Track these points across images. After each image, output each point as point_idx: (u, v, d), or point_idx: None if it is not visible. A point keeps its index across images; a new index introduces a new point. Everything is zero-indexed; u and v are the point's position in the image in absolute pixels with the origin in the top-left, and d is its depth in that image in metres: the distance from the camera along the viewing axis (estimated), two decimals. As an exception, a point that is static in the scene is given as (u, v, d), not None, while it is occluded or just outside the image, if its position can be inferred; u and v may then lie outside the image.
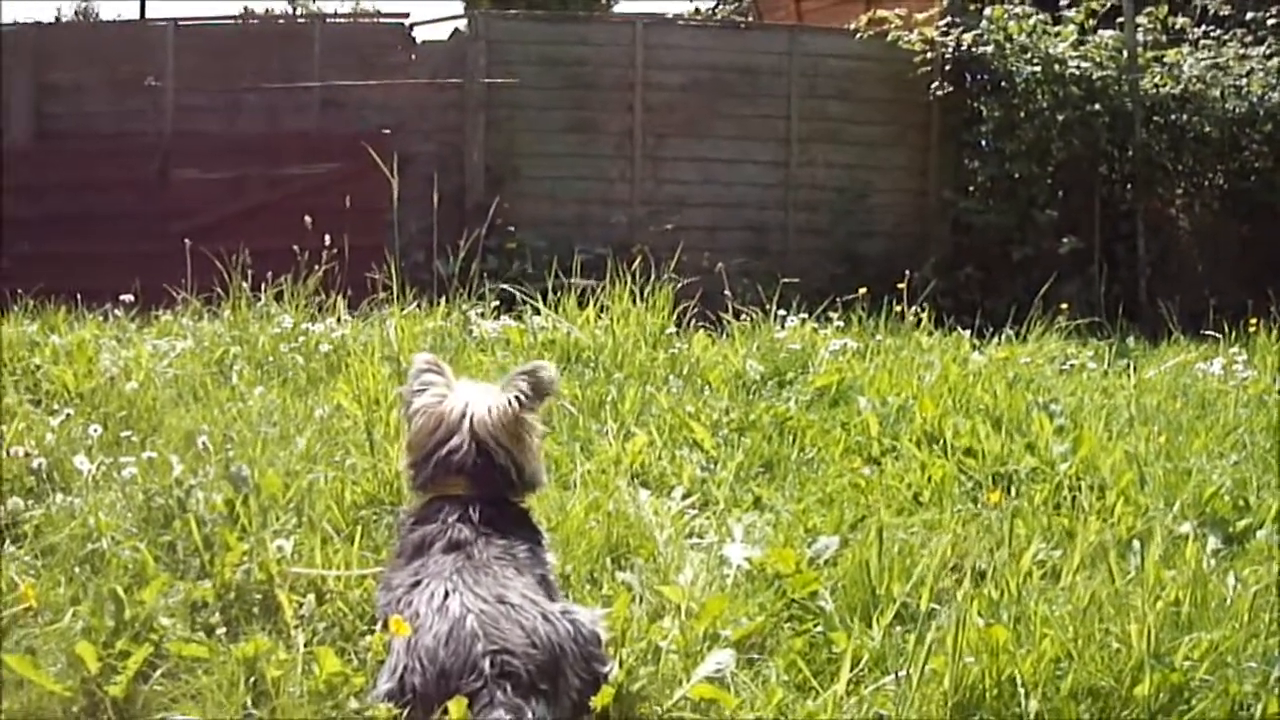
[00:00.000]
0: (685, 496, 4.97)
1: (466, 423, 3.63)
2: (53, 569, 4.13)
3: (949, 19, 13.46)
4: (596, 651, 3.32)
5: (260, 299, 7.75)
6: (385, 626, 3.40)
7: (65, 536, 4.30)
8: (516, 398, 3.65)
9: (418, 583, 3.36)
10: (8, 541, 4.36)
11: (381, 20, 14.39)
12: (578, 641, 3.24)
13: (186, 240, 8.01)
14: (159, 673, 3.49)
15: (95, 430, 5.16)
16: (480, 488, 3.62)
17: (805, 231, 13.61)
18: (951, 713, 3.40)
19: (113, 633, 3.56)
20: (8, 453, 4.92)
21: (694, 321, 7.92)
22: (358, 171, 11.34)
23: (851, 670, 3.57)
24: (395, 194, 5.25)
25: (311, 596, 3.86)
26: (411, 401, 3.76)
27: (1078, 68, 13.24)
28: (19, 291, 8.30)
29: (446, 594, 3.24)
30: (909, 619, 3.94)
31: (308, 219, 7.95)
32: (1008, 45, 13.42)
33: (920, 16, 13.40)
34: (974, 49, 13.32)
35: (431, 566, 3.39)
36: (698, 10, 24.35)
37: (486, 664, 3.07)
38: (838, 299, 8.83)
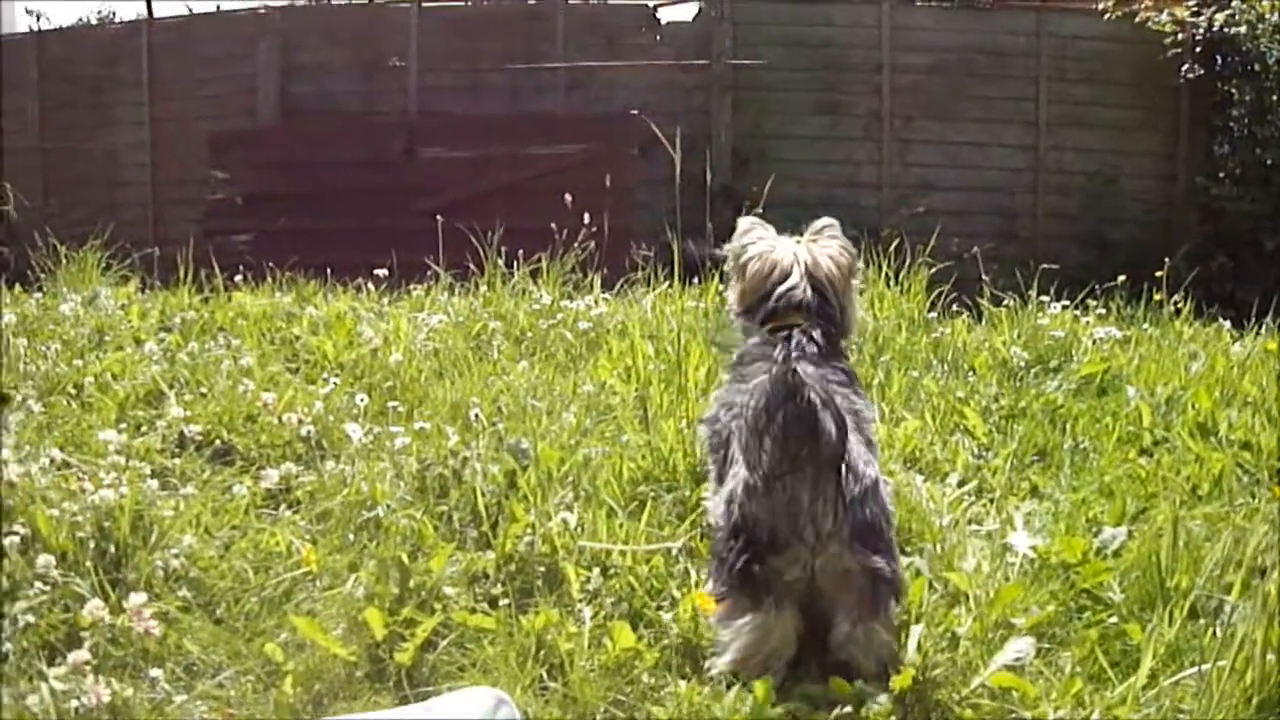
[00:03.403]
0: (961, 483, 4.90)
1: (801, 265, 4.02)
2: (329, 535, 4.19)
3: (1199, -1, 13.04)
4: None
5: (513, 276, 7.80)
6: (714, 449, 3.85)
7: (339, 503, 4.36)
8: (842, 247, 4.11)
9: None
10: (283, 506, 4.43)
11: (626, 1, 14.42)
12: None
13: (438, 216, 8.09)
14: (445, 642, 3.51)
15: (362, 399, 5.25)
16: (814, 320, 3.95)
17: (1054, 216, 13.34)
18: (1255, 711, 3.25)
19: (396, 600, 3.59)
20: (279, 419, 5.02)
21: (949, 306, 7.80)
22: (604, 152, 11.46)
23: (1147, 664, 3.47)
24: (677, 174, 5.28)
25: (597, 570, 3.86)
26: (744, 252, 4.16)
27: (1333, 49, 12.73)
28: (270, 264, 8.47)
29: None
30: (1200, 613, 3.81)
31: (568, 197, 8.03)
32: (1259, 26, 12.89)
33: (1170, -3, 13.03)
34: (1225, 30, 12.82)
35: None
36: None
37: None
38: (1094, 286, 8.61)
